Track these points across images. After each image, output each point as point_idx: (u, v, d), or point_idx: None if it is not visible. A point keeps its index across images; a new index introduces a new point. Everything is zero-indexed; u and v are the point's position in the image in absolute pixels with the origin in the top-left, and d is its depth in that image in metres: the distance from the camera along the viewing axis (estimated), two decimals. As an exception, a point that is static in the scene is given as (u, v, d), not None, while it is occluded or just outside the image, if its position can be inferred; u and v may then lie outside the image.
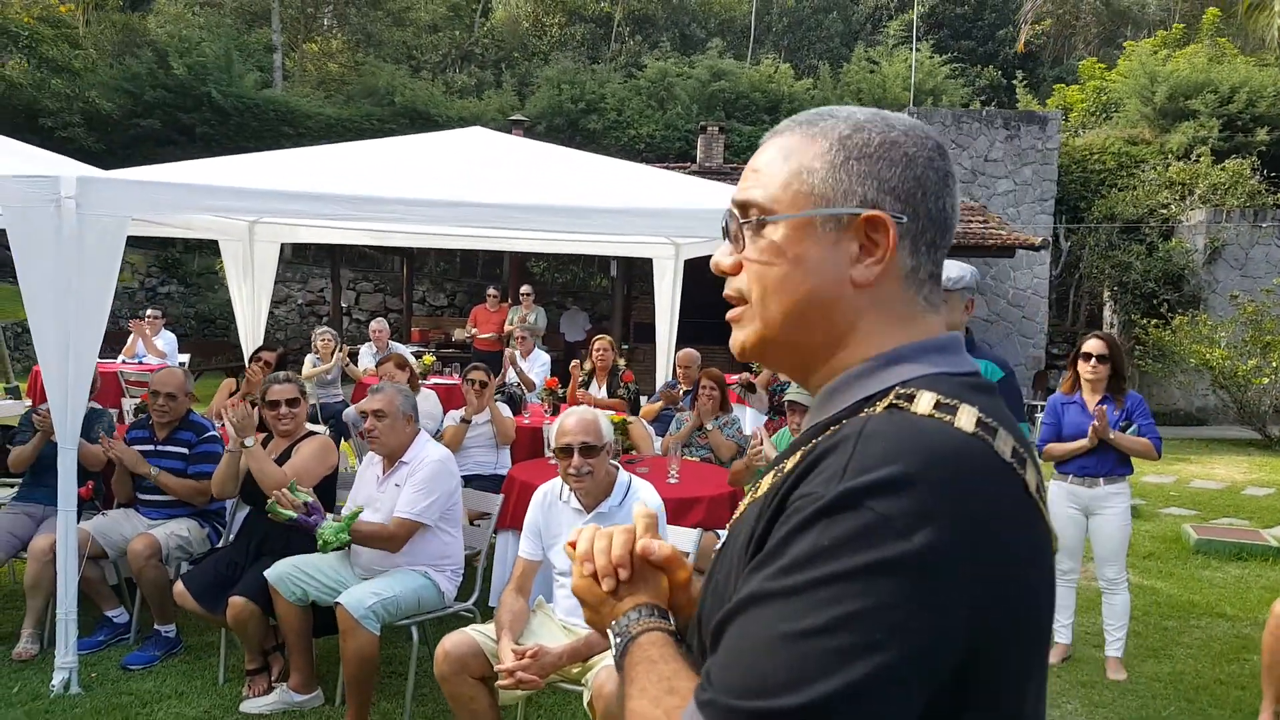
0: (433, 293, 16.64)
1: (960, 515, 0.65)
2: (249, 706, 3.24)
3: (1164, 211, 13.31)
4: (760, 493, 0.81)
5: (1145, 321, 11.86)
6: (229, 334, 8.50)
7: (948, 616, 0.64)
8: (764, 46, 23.48)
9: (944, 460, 0.67)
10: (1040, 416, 3.98)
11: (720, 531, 3.50)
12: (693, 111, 18.36)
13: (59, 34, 17.64)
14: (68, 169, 3.65)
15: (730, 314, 0.86)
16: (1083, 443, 3.68)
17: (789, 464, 0.79)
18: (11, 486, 4.41)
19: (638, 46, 22.98)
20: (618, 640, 0.82)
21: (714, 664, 0.67)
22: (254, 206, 4.29)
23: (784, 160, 0.82)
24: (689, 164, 14.89)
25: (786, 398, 4.09)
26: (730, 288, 0.85)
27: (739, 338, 0.85)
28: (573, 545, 0.89)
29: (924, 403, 0.73)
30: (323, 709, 3.27)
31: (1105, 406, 3.65)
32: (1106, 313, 13.59)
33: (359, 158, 4.79)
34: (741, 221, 0.83)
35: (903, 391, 0.75)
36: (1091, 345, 3.74)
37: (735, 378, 6.16)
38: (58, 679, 3.31)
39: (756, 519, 0.75)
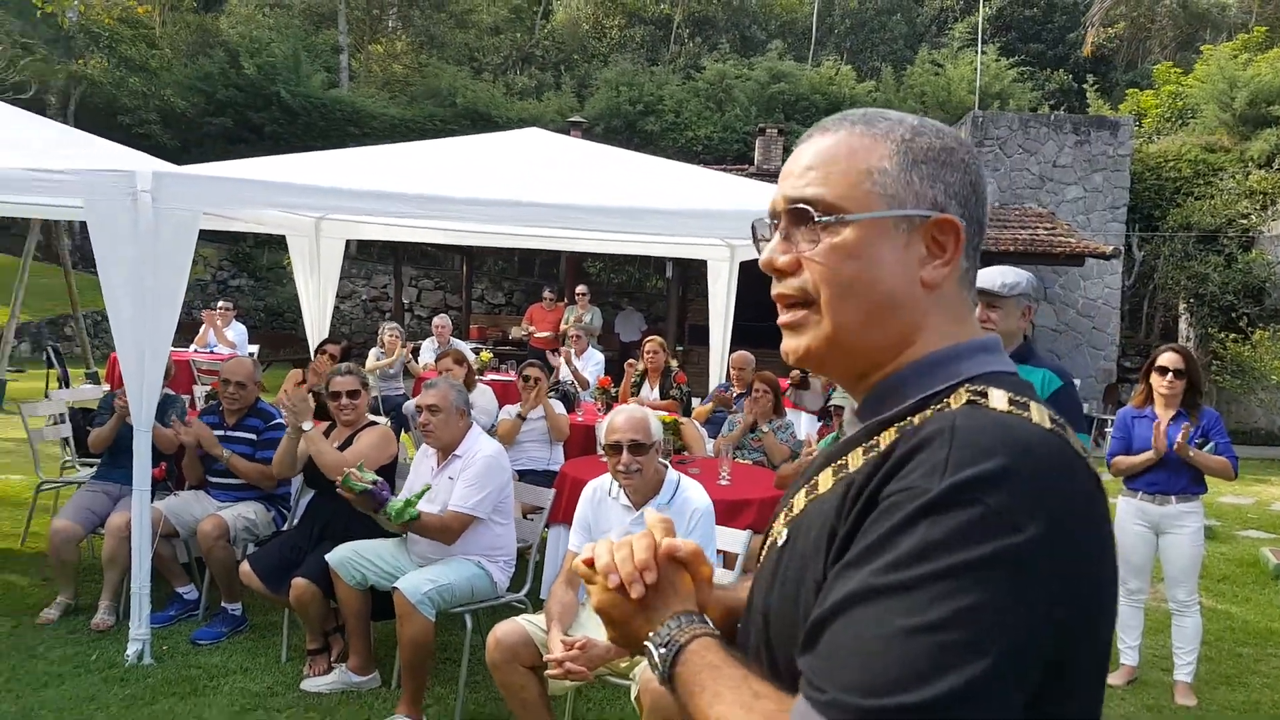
0: (491, 291, 16.90)
1: (1040, 511, 0.65)
2: (309, 685, 3.34)
3: (1244, 222, 12.74)
4: (821, 491, 0.80)
5: (1223, 335, 11.36)
6: (296, 327, 8.76)
7: (1035, 613, 0.63)
8: (825, 48, 23.19)
9: (1031, 455, 0.67)
10: (1110, 430, 3.83)
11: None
12: (751, 113, 18.26)
13: (137, 34, 18.43)
14: (144, 164, 3.80)
15: (787, 318, 0.82)
16: (1150, 454, 3.54)
17: (851, 461, 0.78)
18: (92, 466, 4.64)
19: (697, 48, 22.95)
20: (663, 651, 0.78)
21: (819, 663, 0.66)
22: (320, 203, 4.41)
23: (848, 159, 0.80)
24: (747, 166, 14.82)
25: (834, 402, 4.03)
26: (787, 286, 0.81)
27: (801, 343, 0.81)
28: (588, 564, 0.85)
29: (998, 399, 0.73)
30: (379, 690, 3.35)
31: (1186, 424, 3.49)
32: (1182, 325, 13.06)
33: (421, 157, 4.90)
34: (817, 219, 0.79)
35: (974, 388, 0.74)
36: (1167, 359, 3.58)
37: (788, 380, 6.10)
38: (132, 649, 3.47)
39: (837, 516, 0.73)
